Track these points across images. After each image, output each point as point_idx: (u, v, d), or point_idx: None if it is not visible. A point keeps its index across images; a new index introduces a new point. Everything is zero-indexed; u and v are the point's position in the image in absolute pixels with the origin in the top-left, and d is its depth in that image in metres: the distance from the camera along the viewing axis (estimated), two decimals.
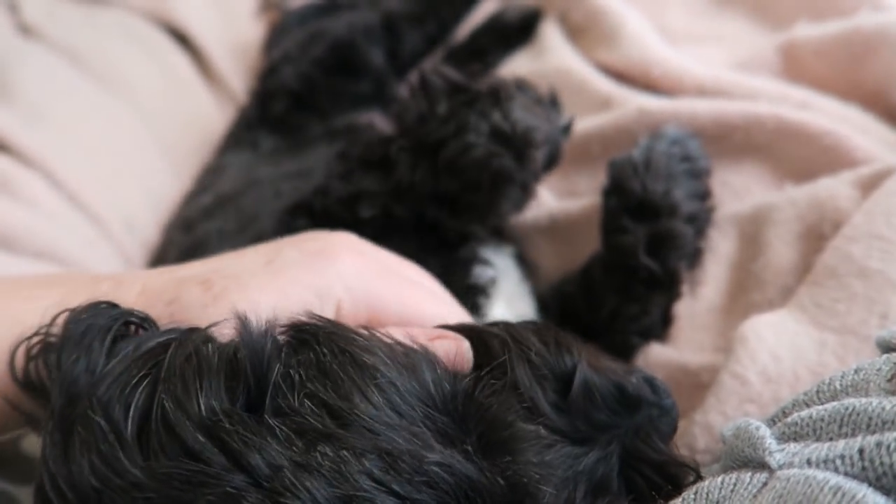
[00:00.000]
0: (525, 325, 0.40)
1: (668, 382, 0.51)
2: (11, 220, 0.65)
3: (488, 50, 0.88)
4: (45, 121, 0.82)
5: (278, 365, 0.32)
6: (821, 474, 0.22)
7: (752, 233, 0.54)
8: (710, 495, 0.26)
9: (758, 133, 0.59)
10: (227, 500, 0.27)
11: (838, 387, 0.28)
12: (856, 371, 0.28)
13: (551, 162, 0.54)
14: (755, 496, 0.24)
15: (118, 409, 0.30)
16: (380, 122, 0.88)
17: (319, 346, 0.33)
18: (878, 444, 0.23)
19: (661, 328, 0.53)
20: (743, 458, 0.27)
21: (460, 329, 0.39)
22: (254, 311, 0.35)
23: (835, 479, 0.22)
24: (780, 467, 0.25)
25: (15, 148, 0.75)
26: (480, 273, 0.50)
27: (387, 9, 0.89)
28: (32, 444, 0.47)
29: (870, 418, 0.24)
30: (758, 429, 0.26)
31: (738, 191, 0.59)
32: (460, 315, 0.43)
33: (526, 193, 0.52)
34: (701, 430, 0.41)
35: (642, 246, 0.52)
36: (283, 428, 0.29)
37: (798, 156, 0.57)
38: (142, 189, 0.83)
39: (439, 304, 0.42)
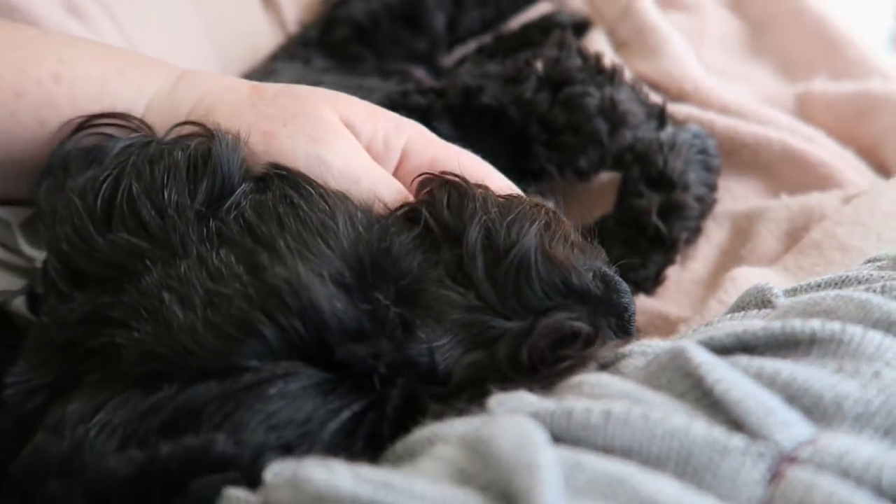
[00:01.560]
0: (511, 198, 0.41)
1: (647, 326, 0.59)
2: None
3: (536, 43, 0.96)
4: None
5: (243, 185, 0.38)
6: (823, 294, 0.29)
7: (745, 226, 0.62)
8: (722, 322, 0.33)
9: (764, 153, 0.68)
10: (144, 270, 0.34)
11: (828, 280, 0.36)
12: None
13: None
14: (762, 318, 0.31)
15: (90, 193, 0.37)
16: (426, 79, 0.95)
17: (278, 187, 0.38)
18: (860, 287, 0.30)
19: (652, 284, 0.61)
20: (748, 305, 0.34)
21: (446, 181, 0.42)
22: (349, 102, 0.42)
23: (835, 291, 0.28)
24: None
25: None
26: None
27: None
28: None
29: (858, 281, 0.32)
30: (767, 284, 0.33)
31: (737, 197, 0.67)
32: (510, 187, 0.48)
33: (600, 162, 0.61)
34: None
35: (655, 209, 0.60)
36: (213, 230, 0.35)
37: (796, 178, 0.65)
38: None
39: (493, 174, 0.47)
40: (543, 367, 0.32)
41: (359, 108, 0.45)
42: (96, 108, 0.42)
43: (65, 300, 0.34)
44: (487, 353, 0.33)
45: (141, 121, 0.43)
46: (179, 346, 0.30)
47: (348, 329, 0.32)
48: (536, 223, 0.39)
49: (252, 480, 0.28)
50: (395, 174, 0.45)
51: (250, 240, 0.35)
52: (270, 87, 0.45)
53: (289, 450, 0.30)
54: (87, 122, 0.41)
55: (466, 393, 0.31)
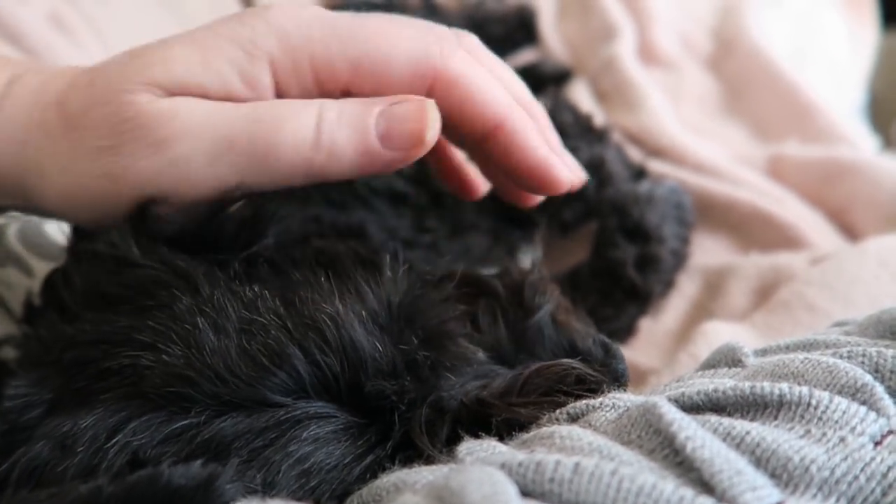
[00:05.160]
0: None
1: None
2: (64, 56, 0.69)
3: None
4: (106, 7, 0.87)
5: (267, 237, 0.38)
6: (791, 356, 0.30)
7: (716, 282, 0.63)
8: (693, 379, 0.33)
9: (735, 213, 0.69)
10: (172, 298, 0.33)
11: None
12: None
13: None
14: (732, 376, 0.31)
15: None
16: None
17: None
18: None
19: (625, 334, 0.61)
20: (719, 363, 0.34)
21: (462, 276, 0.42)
22: (168, 67, 0.33)
23: (804, 354, 0.29)
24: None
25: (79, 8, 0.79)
26: (525, 254, 0.62)
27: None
28: None
29: (825, 345, 0.32)
30: (737, 343, 0.34)
31: (709, 252, 0.69)
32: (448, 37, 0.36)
33: (583, 216, 0.64)
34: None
35: (631, 261, 0.61)
36: (239, 271, 0.35)
37: (764, 238, 0.67)
38: None
39: (419, 33, 0.35)
40: (535, 401, 0.32)
41: (184, 64, 0.34)
42: None
43: (69, 317, 0.34)
44: (482, 386, 0.34)
45: None
46: (210, 371, 0.30)
47: (382, 369, 0.32)
48: (549, 292, 0.42)
49: None
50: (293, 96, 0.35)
51: (282, 280, 0.35)
52: (74, 101, 0.36)
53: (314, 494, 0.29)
54: None
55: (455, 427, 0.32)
